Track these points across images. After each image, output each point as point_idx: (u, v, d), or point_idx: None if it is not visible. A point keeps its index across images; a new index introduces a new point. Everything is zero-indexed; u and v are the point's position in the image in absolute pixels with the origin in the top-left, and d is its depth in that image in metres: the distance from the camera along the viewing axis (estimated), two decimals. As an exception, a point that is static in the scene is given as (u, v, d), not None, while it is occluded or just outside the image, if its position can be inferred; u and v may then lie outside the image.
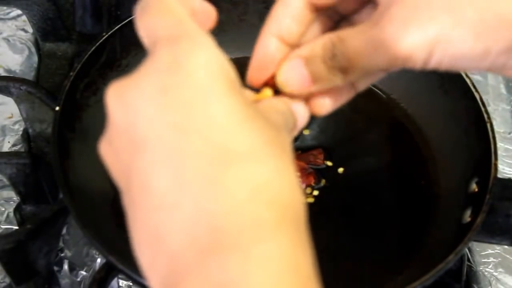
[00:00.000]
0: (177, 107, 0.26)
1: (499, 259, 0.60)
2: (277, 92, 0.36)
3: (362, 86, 0.39)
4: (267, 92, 0.36)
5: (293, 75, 0.35)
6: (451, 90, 0.60)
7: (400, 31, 0.30)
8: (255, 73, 0.37)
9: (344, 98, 0.39)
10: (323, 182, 0.58)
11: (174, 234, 0.25)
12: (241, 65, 0.69)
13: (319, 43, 0.34)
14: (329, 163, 0.59)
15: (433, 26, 0.30)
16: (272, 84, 0.36)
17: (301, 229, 0.26)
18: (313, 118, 0.66)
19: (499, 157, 0.52)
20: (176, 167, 0.25)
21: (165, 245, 0.25)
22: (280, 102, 0.34)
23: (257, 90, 0.36)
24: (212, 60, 0.27)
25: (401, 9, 0.31)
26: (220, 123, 0.26)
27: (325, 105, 0.38)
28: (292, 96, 0.36)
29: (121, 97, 0.27)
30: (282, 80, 0.35)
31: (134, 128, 0.26)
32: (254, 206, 0.25)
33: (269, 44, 0.36)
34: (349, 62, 0.33)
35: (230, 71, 0.28)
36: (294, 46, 0.36)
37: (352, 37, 0.33)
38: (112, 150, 0.28)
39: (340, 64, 0.33)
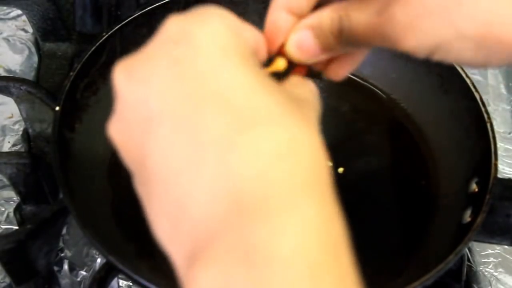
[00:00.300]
0: (190, 77, 0.26)
1: (499, 259, 0.60)
2: (290, 64, 0.36)
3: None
4: (280, 62, 0.36)
5: (302, 45, 0.35)
6: (451, 90, 0.60)
7: (403, 33, 0.31)
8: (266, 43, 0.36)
9: (359, 59, 0.39)
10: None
11: (197, 201, 0.24)
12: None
13: (327, 15, 0.34)
14: (329, 163, 0.59)
15: (435, 35, 0.31)
16: (282, 54, 0.36)
17: (328, 193, 0.26)
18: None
19: (499, 157, 0.52)
20: (195, 134, 0.25)
21: (187, 213, 0.25)
22: (309, 81, 0.34)
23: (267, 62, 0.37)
24: (221, 31, 0.27)
25: (404, 12, 0.31)
26: (237, 88, 0.26)
27: (341, 70, 0.39)
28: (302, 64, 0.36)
29: (131, 73, 0.27)
30: (292, 50, 0.36)
31: (147, 102, 0.26)
32: (279, 170, 0.24)
33: (278, 16, 0.36)
34: (354, 39, 0.34)
35: (243, 42, 0.28)
36: (303, 17, 0.36)
37: (359, 19, 0.33)
38: (123, 128, 0.28)
39: (347, 38, 0.34)
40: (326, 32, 0.35)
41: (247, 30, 0.30)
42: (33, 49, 0.76)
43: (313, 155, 0.26)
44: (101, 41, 0.59)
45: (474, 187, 0.52)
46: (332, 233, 0.25)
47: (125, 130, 0.27)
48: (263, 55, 0.33)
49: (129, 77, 0.27)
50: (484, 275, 0.58)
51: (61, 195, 0.60)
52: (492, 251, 0.60)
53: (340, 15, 0.34)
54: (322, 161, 0.26)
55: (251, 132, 0.25)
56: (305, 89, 0.33)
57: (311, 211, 0.24)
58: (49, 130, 0.55)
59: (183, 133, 0.25)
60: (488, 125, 0.53)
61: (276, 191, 0.24)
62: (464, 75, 0.57)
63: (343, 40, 0.34)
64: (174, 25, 0.28)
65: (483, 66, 0.32)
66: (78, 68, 0.56)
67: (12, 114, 0.70)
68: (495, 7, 0.30)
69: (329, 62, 0.38)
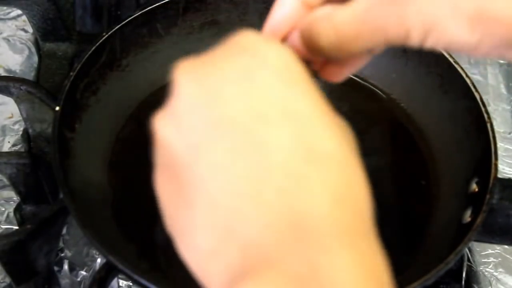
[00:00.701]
0: (260, 94, 0.26)
1: (499, 259, 0.60)
2: None
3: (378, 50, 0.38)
4: None
5: (292, 45, 0.35)
6: (451, 90, 0.60)
7: (395, 17, 0.30)
8: (268, 31, 0.36)
9: (358, 64, 0.38)
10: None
11: (252, 221, 0.24)
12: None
13: (316, 16, 0.34)
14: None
15: (430, 13, 0.30)
16: None
17: (375, 236, 0.26)
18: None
19: (499, 157, 0.52)
20: (258, 155, 0.25)
21: (239, 231, 0.24)
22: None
23: None
24: (284, 51, 0.27)
25: None
26: (305, 116, 0.26)
27: (337, 72, 0.38)
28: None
29: (199, 76, 0.27)
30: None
31: (213, 108, 0.26)
32: (338, 212, 0.25)
33: (286, 3, 0.35)
34: (340, 41, 0.33)
35: (299, 65, 0.28)
36: (315, 7, 0.35)
37: (343, 15, 0.32)
38: (175, 126, 0.27)
39: (331, 41, 0.33)
40: (305, 34, 0.34)
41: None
42: (33, 49, 0.76)
43: (365, 198, 0.27)
44: (101, 41, 0.59)
45: (474, 187, 0.52)
46: (381, 277, 0.26)
47: (177, 127, 0.27)
48: None
49: (197, 78, 0.27)
50: (484, 275, 0.58)
51: (61, 195, 0.60)
52: (492, 251, 0.60)
53: (321, 17, 0.33)
54: (370, 204, 0.27)
55: (314, 168, 0.25)
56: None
57: (364, 254, 0.25)
58: (49, 130, 0.55)
59: (246, 150, 0.25)
60: (488, 125, 0.53)
61: (338, 229, 0.24)
62: (464, 75, 0.57)
63: (327, 44, 0.33)
64: (242, 38, 0.28)
65: (474, 49, 0.31)
66: (78, 68, 0.56)
67: (12, 114, 0.70)
68: None
69: (326, 62, 0.38)
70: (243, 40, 0.28)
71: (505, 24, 0.29)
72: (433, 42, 0.31)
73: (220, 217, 0.25)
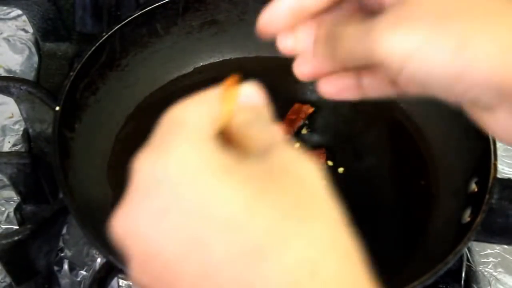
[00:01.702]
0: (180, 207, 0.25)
1: (499, 259, 0.60)
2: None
3: (371, 92, 0.38)
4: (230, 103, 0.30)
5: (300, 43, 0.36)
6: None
7: (383, 34, 0.31)
8: (264, 23, 0.36)
9: (349, 92, 0.38)
10: (322, 182, 0.58)
11: None
12: (241, 65, 0.70)
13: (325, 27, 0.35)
14: (330, 163, 0.60)
15: (412, 38, 0.30)
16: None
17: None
18: (313, 119, 0.67)
19: (499, 157, 0.52)
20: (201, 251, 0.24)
21: None
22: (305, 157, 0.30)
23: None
24: (189, 153, 0.26)
25: (394, 13, 0.31)
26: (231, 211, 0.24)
27: (328, 89, 0.38)
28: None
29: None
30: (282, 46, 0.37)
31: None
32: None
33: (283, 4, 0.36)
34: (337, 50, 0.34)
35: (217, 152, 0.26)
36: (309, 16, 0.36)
37: (347, 31, 0.33)
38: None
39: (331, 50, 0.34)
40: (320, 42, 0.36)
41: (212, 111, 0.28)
42: (33, 49, 0.76)
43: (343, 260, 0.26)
44: (101, 41, 0.59)
45: (473, 187, 0.52)
46: None
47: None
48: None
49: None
50: (484, 275, 0.58)
51: (61, 195, 0.60)
52: (492, 251, 0.60)
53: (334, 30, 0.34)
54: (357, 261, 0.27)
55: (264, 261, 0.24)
56: (304, 169, 0.28)
57: None
58: (49, 130, 0.55)
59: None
60: (488, 125, 0.53)
61: None
62: (463, 75, 0.57)
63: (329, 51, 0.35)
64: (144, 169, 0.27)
65: (454, 83, 0.31)
66: (78, 68, 0.56)
67: (12, 114, 0.70)
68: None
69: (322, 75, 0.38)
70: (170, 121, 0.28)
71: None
72: (411, 71, 0.31)
73: None
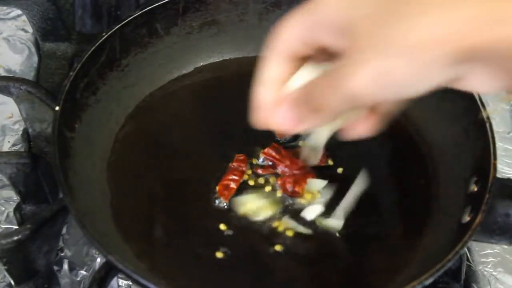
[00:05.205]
0: None
1: (498, 258, 0.60)
2: None
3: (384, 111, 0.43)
4: None
5: (280, 119, 0.40)
6: (451, 90, 0.59)
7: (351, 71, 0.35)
8: (256, 117, 0.42)
9: (369, 125, 0.44)
10: (322, 181, 0.58)
11: None
12: (241, 65, 0.69)
13: (297, 89, 0.39)
14: (330, 163, 0.60)
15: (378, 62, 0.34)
16: None
17: None
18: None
19: (499, 157, 0.52)
20: None
21: None
22: None
23: None
24: None
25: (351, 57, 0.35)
26: None
27: (349, 132, 0.44)
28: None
29: None
30: (274, 124, 0.41)
31: None
32: None
33: (261, 92, 0.41)
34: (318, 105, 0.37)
35: None
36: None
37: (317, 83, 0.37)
38: None
39: (314, 107, 0.38)
40: (297, 105, 0.40)
41: None
42: (33, 49, 0.77)
43: None
44: (101, 41, 0.59)
45: (473, 186, 0.52)
46: None
47: None
48: None
49: None
50: (483, 275, 0.58)
51: (61, 195, 0.60)
52: (491, 251, 0.60)
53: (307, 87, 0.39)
54: None
55: None
56: None
57: None
58: (49, 130, 0.55)
59: None
60: (488, 125, 0.53)
61: None
62: (463, 75, 0.57)
63: (311, 109, 0.38)
64: None
65: (421, 79, 0.36)
66: (78, 68, 0.56)
67: (12, 114, 0.70)
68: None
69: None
70: None
71: None
72: (383, 89, 0.35)
73: None
